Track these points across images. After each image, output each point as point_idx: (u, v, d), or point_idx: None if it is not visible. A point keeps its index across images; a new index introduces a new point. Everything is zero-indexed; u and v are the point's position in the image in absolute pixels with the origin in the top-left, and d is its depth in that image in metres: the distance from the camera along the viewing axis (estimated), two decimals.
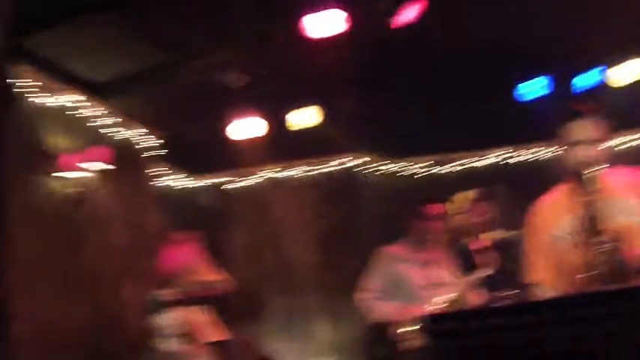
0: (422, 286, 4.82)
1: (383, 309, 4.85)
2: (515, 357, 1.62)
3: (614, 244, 2.64)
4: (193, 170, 7.26)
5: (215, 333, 5.57)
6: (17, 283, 3.69)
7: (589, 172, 2.84)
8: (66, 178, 4.69)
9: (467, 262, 5.03)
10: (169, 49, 4.63)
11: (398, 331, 4.70)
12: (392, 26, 4.21)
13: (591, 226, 2.75)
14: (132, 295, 5.21)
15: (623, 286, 2.28)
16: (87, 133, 5.11)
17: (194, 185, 7.39)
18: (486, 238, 5.30)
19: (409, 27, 4.28)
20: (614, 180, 2.98)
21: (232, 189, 7.37)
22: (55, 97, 4.60)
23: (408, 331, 4.65)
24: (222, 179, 7.38)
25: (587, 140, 2.97)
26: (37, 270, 3.89)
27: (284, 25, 4.42)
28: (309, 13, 4.20)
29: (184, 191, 7.31)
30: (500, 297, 4.69)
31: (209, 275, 5.95)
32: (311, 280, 7.03)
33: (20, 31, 3.68)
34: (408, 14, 4.17)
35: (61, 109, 4.74)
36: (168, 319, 4.20)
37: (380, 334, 5.55)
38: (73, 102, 4.93)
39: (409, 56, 5.35)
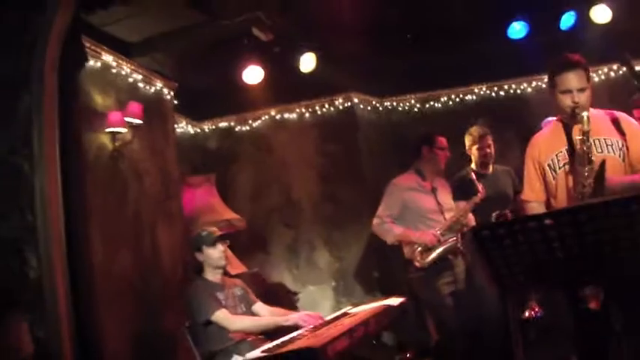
0: (432, 210, 5.28)
1: (397, 231, 5.26)
2: (540, 254, 2.22)
3: (601, 171, 3.20)
4: (202, 116, 7.50)
5: (237, 266, 6.06)
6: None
7: (582, 115, 3.36)
8: (112, 134, 4.93)
9: (468, 189, 5.42)
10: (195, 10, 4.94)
11: (417, 250, 5.17)
12: None
13: (584, 158, 3.29)
14: (166, 237, 5.49)
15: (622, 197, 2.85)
16: (122, 90, 5.30)
17: (203, 130, 7.64)
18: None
19: None
20: (596, 120, 3.53)
21: (238, 132, 7.56)
22: (94, 58, 4.79)
23: (421, 249, 5.18)
24: (229, 123, 7.60)
25: (578, 88, 3.48)
26: (95, 221, 4.14)
27: None
28: None
29: (195, 136, 7.56)
30: (498, 215, 5.23)
31: (226, 214, 6.39)
32: (313, 214, 7.35)
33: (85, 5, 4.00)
34: None
35: (100, 70, 4.95)
36: (215, 253, 4.49)
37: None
38: (109, 62, 5.14)
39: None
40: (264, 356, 3.26)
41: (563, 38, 6.30)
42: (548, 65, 3.72)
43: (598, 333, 3.28)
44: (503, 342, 5.55)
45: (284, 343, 3.51)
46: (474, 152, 5.77)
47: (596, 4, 6.09)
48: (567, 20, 6.22)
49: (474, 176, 5.39)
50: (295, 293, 7.15)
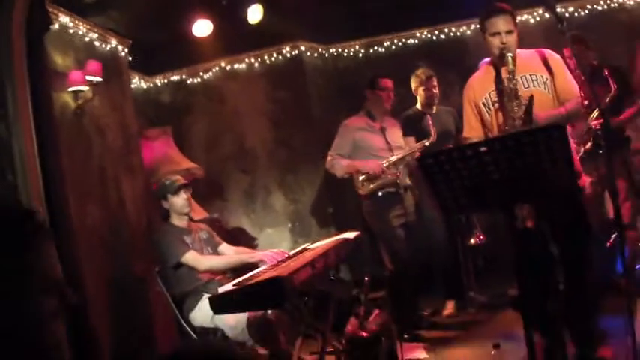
0: (381, 148, 5.61)
1: (344, 163, 5.64)
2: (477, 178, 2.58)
3: (529, 105, 3.56)
4: (154, 71, 7.57)
5: (199, 212, 6.31)
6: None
7: (508, 54, 3.72)
8: (74, 92, 5.02)
9: (415, 126, 5.83)
10: None
11: (360, 178, 5.55)
12: None
13: (511, 94, 3.66)
14: (129, 189, 5.65)
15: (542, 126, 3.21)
16: (80, 49, 5.38)
17: (156, 85, 7.73)
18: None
19: None
20: (525, 59, 3.89)
21: (190, 84, 7.68)
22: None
23: (364, 178, 5.54)
24: (180, 76, 7.71)
25: (505, 31, 3.82)
26: (65, 179, 4.28)
27: None
28: None
29: (148, 91, 7.66)
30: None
31: (184, 163, 6.61)
32: (267, 160, 7.59)
33: None
34: None
35: (58, 31, 5.01)
36: (179, 201, 4.71)
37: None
38: (66, 23, 5.20)
39: None
40: (236, 288, 3.55)
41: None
42: (480, 14, 4.03)
43: (535, 252, 3.70)
44: (453, 270, 6.02)
45: (252, 277, 3.81)
46: (420, 93, 6.08)
47: None
48: None
49: (428, 120, 5.66)
50: (254, 238, 7.44)
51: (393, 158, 5.52)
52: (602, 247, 5.06)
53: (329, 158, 5.76)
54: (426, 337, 5.36)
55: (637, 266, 5.70)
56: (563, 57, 4.16)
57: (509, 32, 3.83)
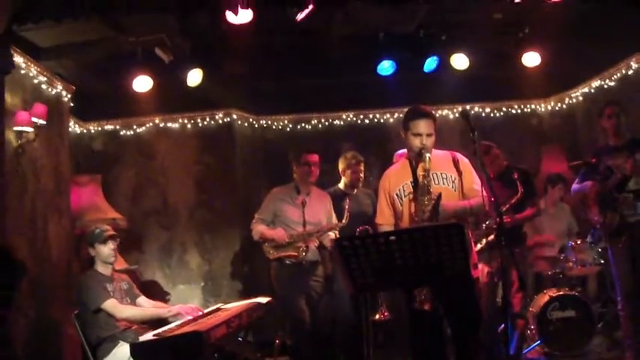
0: (295, 221, 5.89)
1: (259, 229, 5.90)
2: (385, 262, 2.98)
3: (437, 200, 4.04)
4: (90, 118, 7.76)
5: (120, 261, 6.47)
6: None
7: (425, 154, 4.20)
8: (18, 132, 5.18)
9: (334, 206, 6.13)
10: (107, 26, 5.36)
11: (265, 245, 5.85)
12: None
13: (424, 189, 4.13)
14: (55, 230, 5.78)
15: (444, 223, 3.67)
16: (28, 90, 5.56)
17: (89, 131, 7.89)
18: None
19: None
20: (438, 158, 4.38)
21: (123, 136, 7.90)
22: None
23: (272, 245, 5.82)
24: (114, 127, 7.92)
25: (426, 133, 4.28)
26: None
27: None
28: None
29: (81, 136, 7.79)
30: (361, 231, 5.97)
31: (110, 213, 6.79)
32: (187, 218, 7.84)
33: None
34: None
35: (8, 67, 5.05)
36: (105, 250, 4.87)
37: None
38: (19, 63, 5.37)
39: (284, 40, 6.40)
40: (158, 338, 3.79)
41: (425, 79, 7.18)
42: (405, 113, 4.49)
43: (429, 331, 4.11)
44: (354, 343, 6.30)
45: (172, 329, 4.05)
46: (347, 175, 6.44)
47: (456, 52, 6.96)
48: (430, 64, 7.02)
49: (347, 204, 5.97)
50: (167, 292, 7.62)
51: (302, 231, 5.82)
52: (494, 332, 5.45)
53: (253, 220, 6.04)
54: None
55: (524, 351, 6.21)
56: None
57: (429, 135, 4.30)
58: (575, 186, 5.92)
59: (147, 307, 5.04)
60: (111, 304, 4.69)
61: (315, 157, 6.10)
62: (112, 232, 4.97)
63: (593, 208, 5.61)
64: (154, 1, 5.06)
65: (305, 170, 6.03)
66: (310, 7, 5.13)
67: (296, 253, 5.75)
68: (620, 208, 5.37)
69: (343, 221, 5.88)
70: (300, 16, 5.29)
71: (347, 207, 5.93)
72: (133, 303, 5.00)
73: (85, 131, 7.87)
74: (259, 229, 5.92)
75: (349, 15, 6.00)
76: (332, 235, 6.00)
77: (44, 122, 5.40)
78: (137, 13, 4.99)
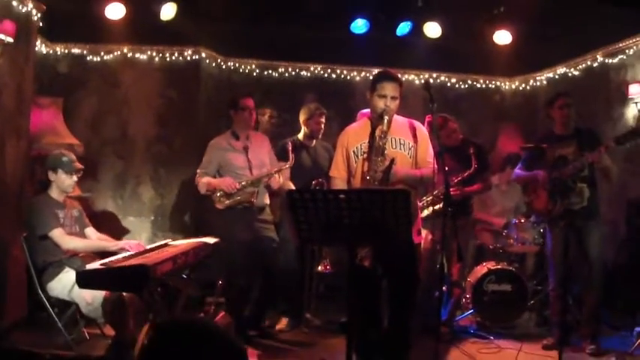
0: (241, 167, 5.92)
1: (205, 180, 5.87)
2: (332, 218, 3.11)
3: (390, 164, 4.17)
4: (57, 39, 7.59)
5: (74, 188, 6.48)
6: None
7: (386, 117, 4.32)
8: None
9: (283, 155, 6.13)
10: None
11: (217, 194, 5.83)
12: None
13: (379, 150, 4.26)
14: (13, 150, 5.69)
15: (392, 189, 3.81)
16: None
17: (56, 53, 7.73)
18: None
19: None
20: (398, 124, 4.50)
21: (89, 61, 7.77)
22: None
23: (220, 194, 5.83)
24: (81, 51, 7.77)
25: (391, 96, 4.42)
26: None
27: None
28: None
29: (47, 57, 7.64)
30: (316, 183, 6.08)
31: (68, 138, 6.76)
32: (145, 151, 7.85)
33: None
34: None
35: None
36: (68, 180, 4.96)
37: None
38: None
39: None
40: (104, 268, 3.88)
41: (396, 42, 7.26)
42: (374, 75, 4.60)
43: (366, 287, 4.28)
44: (296, 290, 6.48)
45: (118, 260, 4.15)
46: (308, 124, 6.53)
47: (430, 20, 7.05)
48: (403, 28, 7.13)
49: (289, 146, 6.04)
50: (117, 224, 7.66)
51: (251, 178, 5.86)
52: (431, 297, 5.65)
53: (196, 176, 6.02)
54: (262, 345, 5.79)
55: (457, 317, 6.47)
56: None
57: (393, 98, 4.44)
58: (518, 171, 6.11)
59: (93, 239, 5.10)
60: (57, 234, 4.75)
61: (251, 102, 6.09)
62: (80, 166, 5.00)
63: (541, 194, 5.81)
64: None
65: (245, 115, 6.01)
66: None
67: (250, 199, 5.81)
68: (570, 195, 5.58)
69: (288, 163, 5.92)
70: None
71: (290, 149, 5.98)
72: (82, 232, 5.08)
73: (51, 52, 7.73)
74: (205, 180, 5.89)
75: None
76: (290, 184, 6.11)
77: (11, 40, 5.31)
78: None
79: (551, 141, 5.79)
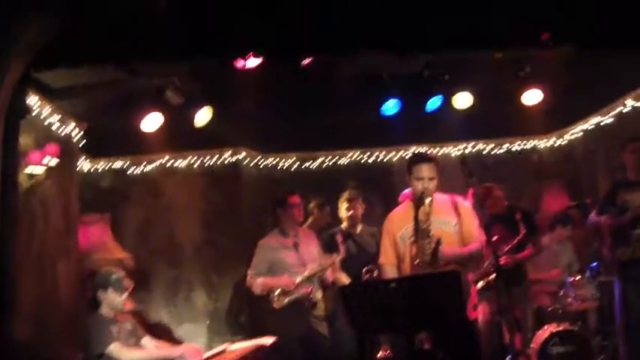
0: (294, 264, 5.95)
1: (260, 281, 5.91)
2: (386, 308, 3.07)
3: (437, 245, 4.14)
4: (98, 155, 7.75)
5: (127, 302, 6.52)
6: None
7: (426, 199, 4.34)
8: (29, 173, 5.21)
9: (331, 246, 6.16)
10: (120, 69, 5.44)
11: (275, 293, 5.83)
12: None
13: (425, 233, 4.25)
14: (64, 271, 5.80)
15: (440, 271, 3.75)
16: (40, 130, 5.61)
17: (97, 169, 7.89)
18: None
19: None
20: (439, 203, 4.49)
21: (130, 174, 7.91)
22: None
23: (278, 293, 5.82)
24: (123, 164, 7.92)
25: (428, 177, 4.43)
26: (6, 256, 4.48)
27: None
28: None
29: (89, 174, 7.78)
30: (367, 270, 6.04)
31: (118, 253, 6.86)
32: (194, 257, 7.88)
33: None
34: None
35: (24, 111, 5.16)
36: (118, 299, 4.89)
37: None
38: (32, 104, 5.41)
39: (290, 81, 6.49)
40: None
41: (427, 117, 7.27)
42: (409, 158, 4.66)
43: None
44: None
45: None
46: (346, 212, 6.53)
47: (459, 91, 6.98)
48: (434, 102, 7.09)
49: (339, 238, 6.10)
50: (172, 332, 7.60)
51: (306, 274, 5.87)
52: None
53: (248, 277, 6.04)
54: None
55: None
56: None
57: (431, 179, 4.46)
58: (592, 216, 6.01)
59: (150, 348, 5.08)
60: (115, 349, 4.72)
61: (297, 198, 6.18)
62: (129, 284, 5.04)
63: (606, 240, 5.70)
64: (168, 47, 5.17)
65: (293, 212, 6.08)
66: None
67: (307, 296, 5.81)
68: (633, 244, 5.44)
69: (340, 256, 5.96)
70: (305, 61, 5.42)
71: (340, 241, 6.02)
72: (138, 343, 5.05)
73: (92, 169, 7.90)
74: (260, 281, 5.92)
75: (355, 61, 6.11)
76: (342, 275, 6.08)
77: (56, 162, 5.46)
78: (151, 59, 5.11)
79: (622, 186, 5.71)
